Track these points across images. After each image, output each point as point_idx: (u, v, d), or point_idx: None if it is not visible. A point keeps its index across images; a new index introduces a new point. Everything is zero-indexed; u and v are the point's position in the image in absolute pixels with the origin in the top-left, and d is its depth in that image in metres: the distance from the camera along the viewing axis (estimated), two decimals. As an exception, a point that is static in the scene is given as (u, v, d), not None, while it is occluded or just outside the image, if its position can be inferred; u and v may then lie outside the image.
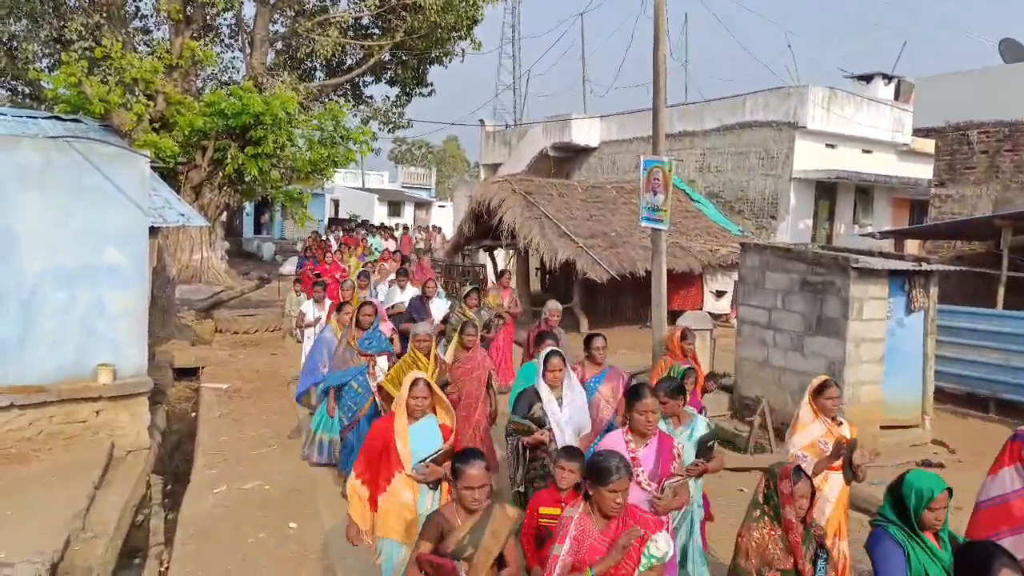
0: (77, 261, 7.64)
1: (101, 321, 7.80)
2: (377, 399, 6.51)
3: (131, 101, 13.61)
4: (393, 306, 10.79)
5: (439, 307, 10.23)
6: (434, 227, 36.57)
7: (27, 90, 21.10)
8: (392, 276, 12.37)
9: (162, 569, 5.93)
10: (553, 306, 8.11)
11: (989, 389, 9.93)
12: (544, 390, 5.25)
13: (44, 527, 5.76)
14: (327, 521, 6.47)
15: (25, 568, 5.12)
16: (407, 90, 24.47)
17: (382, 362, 6.97)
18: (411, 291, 11.25)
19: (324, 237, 24.95)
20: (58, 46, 18.98)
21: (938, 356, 9.10)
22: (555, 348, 5.68)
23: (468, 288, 9.74)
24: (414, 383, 4.38)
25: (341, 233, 27.87)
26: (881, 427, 8.52)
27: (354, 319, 7.22)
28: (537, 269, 19.03)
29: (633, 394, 4.31)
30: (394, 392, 5.40)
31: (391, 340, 8.14)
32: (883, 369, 8.52)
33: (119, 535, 6.31)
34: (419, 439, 4.37)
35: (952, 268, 9.82)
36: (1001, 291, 10.61)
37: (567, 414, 5.24)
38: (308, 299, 10.99)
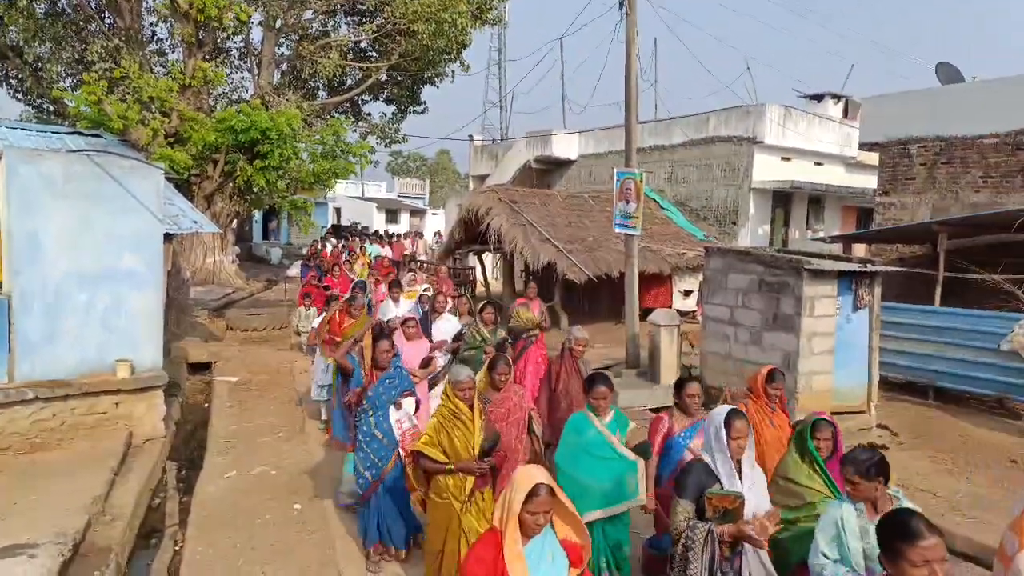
0: (97, 265, 7.54)
1: (120, 320, 7.70)
2: (406, 466, 4.71)
3: (148, 118, 13.52)
4: (388, 321, 8.59)
5: (447, 328, 8.32)
6: (416, 233, 34.08)
7: (51, 107, 20.88)
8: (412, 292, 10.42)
9: (177, 548, 5.86)
10: (580, 335, 6.56)
11: (928, 378, 10.00)
12: (724, 463, 3.66)
13: (66, 511, 5.68)
14: (329, 502, 6.43)
15: (49, 548, 5.05)
16: (402, 108, 24.44)
17: (408, 404, 5.38)
18: (405, 304, 9.68)
19: (321, 245, 23.37)
20: (80, 67, 18.81)
21: (882, 348, 9.14)
22: (734, 407, 3.87)
23: (483, 302, 8.11)
24: (534, 492, 2.78)
25: (346, 240, 25.80)
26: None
27: (370, 357, 5.43)
28: (521, 271, 19.01)
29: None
30: (436, 455, 4.30)
31: (430, 360, 6.88)
32: (833, 360, 8.54)
33: (136, 517, 6.23)
34: (539, 564, 2.84)
35: (894, 269, 9.89)
36: (938, 290, 10.69)
37: (753, 501, 3.62)
38: (320, 314, 9.96)
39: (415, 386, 5.73)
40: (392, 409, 5.21)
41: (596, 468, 4.35)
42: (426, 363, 6.83)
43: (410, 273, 12.14)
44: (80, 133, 11.53)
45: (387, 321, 8.59)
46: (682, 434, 4.61)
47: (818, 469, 4.14)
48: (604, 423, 4.46)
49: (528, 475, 2.85)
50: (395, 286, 10.09)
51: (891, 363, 9.94)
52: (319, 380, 8.57)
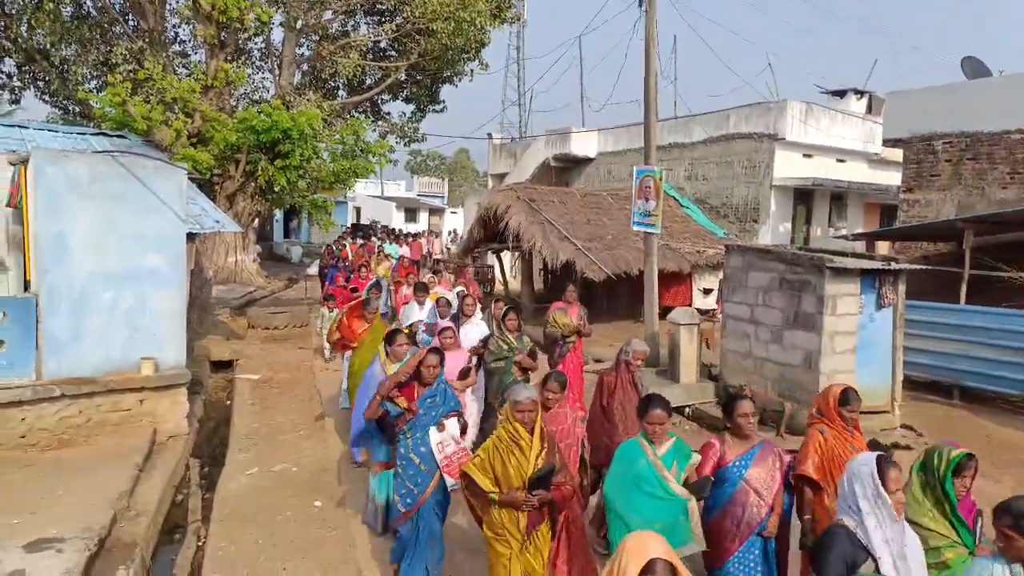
0: (122, 264, 7.64)
1: (144, 319, 7.80)
2: (462, 490, 4.14)
3: (171, 118, 13.67)
4: (410, 325, 8.37)
5: (475, 334, 7.63)
6: (430, 231, 33.40)
7: (77, 109, 21.19)
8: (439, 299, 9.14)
9: (199, 544, 5.94)
10: (639, 347, 5.77)
11: (952, 377, 9.85)
12: (882, 529, 2.94)
13: (92, 506, 5.77)
14: (349, 500, 6.47)
15: (75, 543, 5.13)
16: (421, 107, 24.51)
17: (451, 426, 4.71)
18: (428, 307, 9.12)
19: (339, 246, 21.90)
20: (105, 69, 19.08)
21: (906, 347, 9.03)
22: (880, 453, 3.21)
23: (505, 308, 7.28)
24: (648, 570, 2.32)
25: (366, 239, 24.60)
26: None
27: (416, 370, 4.76)
28: (540, 270, 18.98)
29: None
30: (484, 481, 3.86)
31: (468, 370, 6.34)
32: (855, 359, 8.45)
33: (160, 513, 6.32)
34: None
35: (919, 267, 9.75)
36: (963, 288, 10.52)
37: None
38: None
39: (462, 406, 5.06)
40: (433, 430, 4.59)
41: (644, 506, 3.73)
42: (465, 373, 6.22)
43: (432, 275, 11.42)
44: (105, 134, 11.69)
45: (409, 326, 8.27)
46: (737, 462, 4.02)
47: (947, 510, 3.49)
48: (659, 453, 3.85)
49: (642, 546, 2.40)
50: (420, 289, 9.55)
51: (915, 362, 9.80)
52: (345, 384, 8.52)
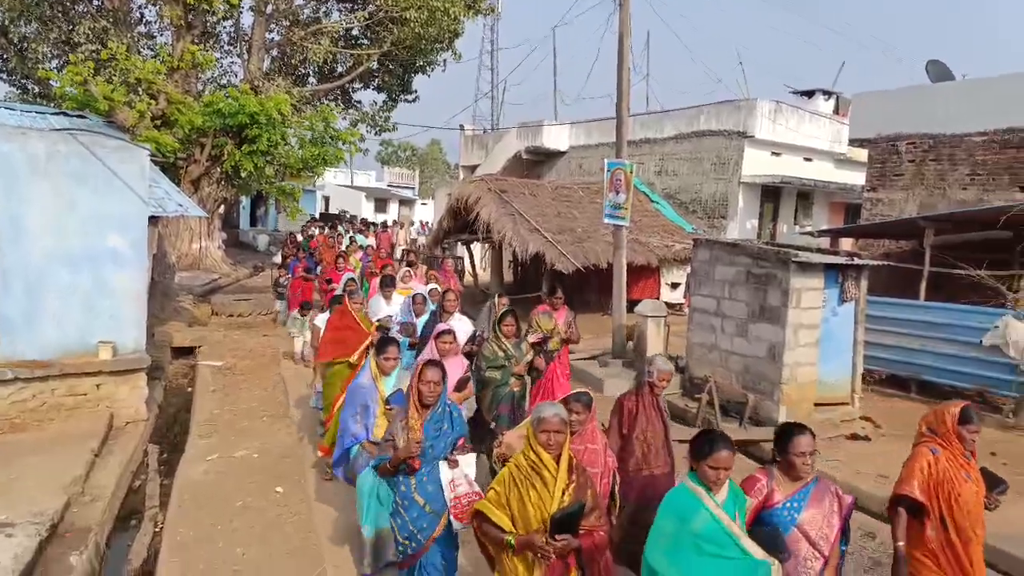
0: (81, 245, 7.46)
1: (103, 301, 7.63)
2: (474, 531, 3.36)
3: (134, 100, 13.35)
4: (378, 321, 7.72)
5: (461, 329, 6.96)
6: (395, 222, 31.12)
7: (36, 88, 20.61)
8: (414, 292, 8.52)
9: (156, 529, 5.83)
10: (664, 367, 4.91)
11: (911, 371, 10.08)
12: None
13: (45, 491, 5.63)
14: (311, 486, 6.41)
15: (25, 527, 5.00)
16: (393, 96, 24.31)
17: (466, 463, 3.94)
18: (398, 301, 8.59)
19: (305, 235, 21.15)
20: (66, 48, 18.55)
21: (867, 342, 9.21)
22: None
23: (503, 310, 6.61)
24: None
25: (333, 229, 23.23)
26: (815, 404, 8.62)
27: (414, 397, 3.93)
28: (510, 261, 18.98)
29: None
30: (501, 519, 3.13)
31: (467, 380, 5.48)
32: (818, 352, 8.60)
33: (116, 499, 6.19)
34: None
35: (880, 263, 9.95)
36: (923, 285, 10.76)
37: None
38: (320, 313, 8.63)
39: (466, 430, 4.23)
40: (444, 466, 3.83)
41: (711, 572, 2.92)
42: (462, 384, 5.30)
43: (406, 268, 10.59)
44: (65, 114, 11.33)
45: (377, 321, 7.63)
46: (788, 504, 3.31)
47: None
48: (719, 502, 3.03)
49: None
50: (388, 283, 8.78)
51: (875, 356, 10.00)
52: (318, 385, 7.50)
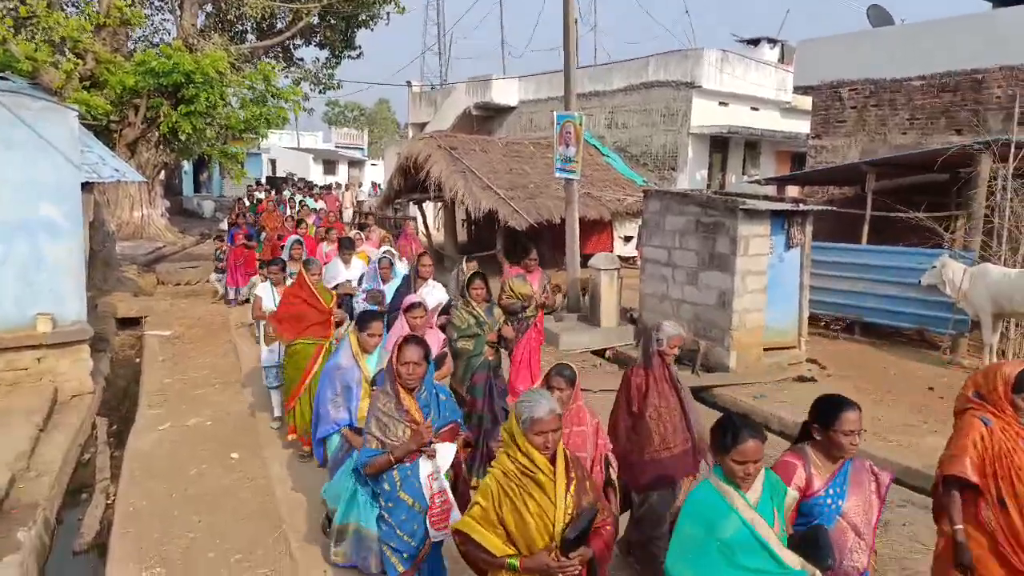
0: (11, 214, 7.11)
1: (39, 273, 7.32)
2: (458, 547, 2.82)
3: (60, 60, 12.66)
4: (337, 286, 7.38)
5: (433, 298, 6.35)
6: (336, 184, 31.61)
7: (-49, 51, 19.34)
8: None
9: (108, 502, 5.72)
10: (673, 331, 4.28)
11: (855, 314, 10.41)
12: None
13: (-13, 468, 5.45)
14: (267, 450, 6.35)
15: (-32, 506, 4.85)
16: (336, 52, 23.59)
17: (444, 453, 3.48)
18: (357, 266, 8.33)
19: (251, 200, 20.60)
20: (-19, 6, 17.41)
21: (812, 287, 9.46)
22: None
23: (470, 273, 5.98)
24: None
25: (282, 193, 22.84)
26: (764, 349, 8.85)
27: (393, 372, 3.51)
28: (464, 220, 18.84)
29: None
30: (497, 547, 2.64)
31: (444, 356, 5.14)
32: (766, 298, 8.80)
33: (64, 473, 6.04)
34: None
35: (825, 208, 10.14)
36: (865, 229, 11.05)
37: None
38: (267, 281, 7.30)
39: (460, 415, 3.85)
40: (423, 459, 3.42)
41: None
42: (440, 360, 4.87)
43: (357, 231, 10.01)
44: (-16, 76, 10.74)
45: (335, 287, 7.26)
46: (830, 491, 2.89)
47: None
48: (751, 502, 2.56)
49: None
50: (347, 245, 8.46)
51: (821, 300, 10.29)
52: (265, 361, 6.86)
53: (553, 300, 7.26)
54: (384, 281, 7.11)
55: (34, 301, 7.32)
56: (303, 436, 6.03)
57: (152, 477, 5.82)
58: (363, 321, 4.56)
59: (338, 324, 6.27)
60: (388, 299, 6.79)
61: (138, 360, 9.84)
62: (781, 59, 21.65)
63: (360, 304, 6.80)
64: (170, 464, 6.08)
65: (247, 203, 19.80)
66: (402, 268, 7.79)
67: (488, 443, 5.43)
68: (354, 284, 7.79)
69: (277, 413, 6.90)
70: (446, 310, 6.27)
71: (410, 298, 5.37)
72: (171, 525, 5.04)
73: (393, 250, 8.38)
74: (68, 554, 5.10)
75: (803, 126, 18.35)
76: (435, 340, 5.11)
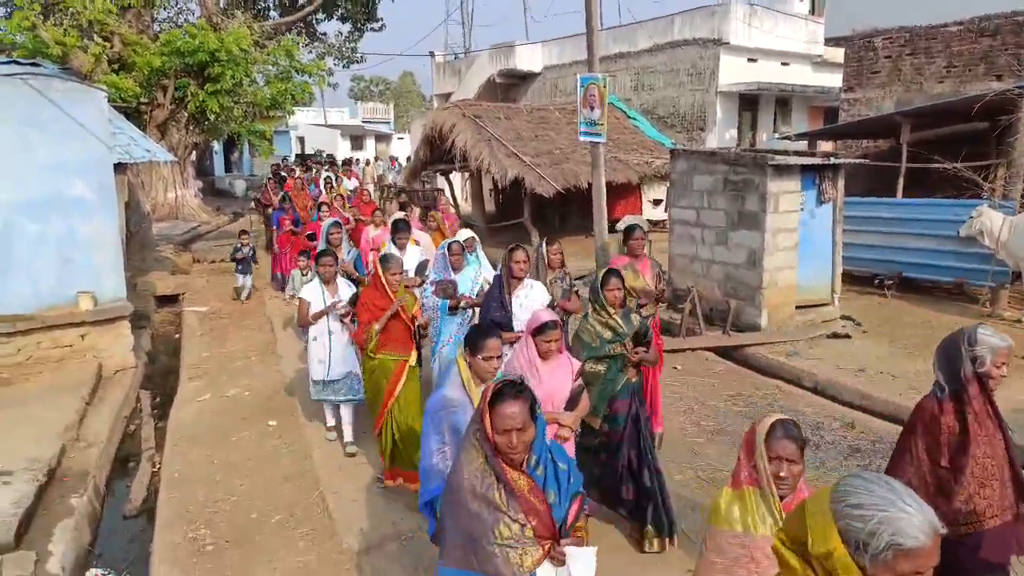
0: (45, 193, 7.28)
1: (76, 251, 7.52)
2: None
3: (88, 44, 12.84)
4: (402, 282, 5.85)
5: (534, 298, 5.09)
6: (355, 159, 27.97)
7: (-16, 40, 19.72)
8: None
9: (154, 469, 5.94)
10: (1000, 343, 2.91)
11: (891, 269, 10.20)
12: None
13: (39, 439, 5.69)
14: (303, 418, 6.50)
15: (22, 475, 5.07)
16: (358, 25, 23.59)
17: (581, 558, 2.35)
18: (413, 253, 7.07)
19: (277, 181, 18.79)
20: (10, -6, 17.71)
21: (845, 243, 9.27)
22: None
23: (603, 270, 4.46)
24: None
25: (310, 171, 20.10)
26: (796, 306, 8.75)
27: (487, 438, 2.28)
28: (491, 189, 18.80)
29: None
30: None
31: (426, 264, 4.72)
32: (797, 255, 8.66)
33: (112, 444, 6.27)
34: None
35: (857, 161, 9.93)
36: (900, 181, 10.77)
37: None
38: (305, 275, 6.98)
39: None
40: (546, 563, 2.35)
41: None
42: (575, 397, 3.70)
43: (399, 210, 8.99)
44: (17, 62, 10.93)
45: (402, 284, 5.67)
46: None
47: None
48: None
49: None
50: (402, 227, 7.03)
51: (855, 256, 10.09)
52: (315, 375, 5.86)
53: (669, 294, 5.76)
54: (456, 270, 5.87)
55: (74, 280, 7.53)
56: (395, 474, 5.07)
57: (195, 445, 6.01)
58: (475, 340, 3.28)
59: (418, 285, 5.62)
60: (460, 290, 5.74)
61: (177, 335, 10.09)
62: (812, 11, 20.98)
63: (429, 300, 5.65)
64: (211, 433, 6.27)
65: (276, 183, 18.35)
66: (415, 252, 7.08)
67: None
68: (410, 273, 6.59)
69: (348, 438, 5.83)
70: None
71: (542, 315, 3.75)
72: (214, 489, 5.21)
73: (472, 233, 7.16)
74: (119, 518, 5.32)
75: (835, 80, 17.84)
76: (565, 371, 3.71)
